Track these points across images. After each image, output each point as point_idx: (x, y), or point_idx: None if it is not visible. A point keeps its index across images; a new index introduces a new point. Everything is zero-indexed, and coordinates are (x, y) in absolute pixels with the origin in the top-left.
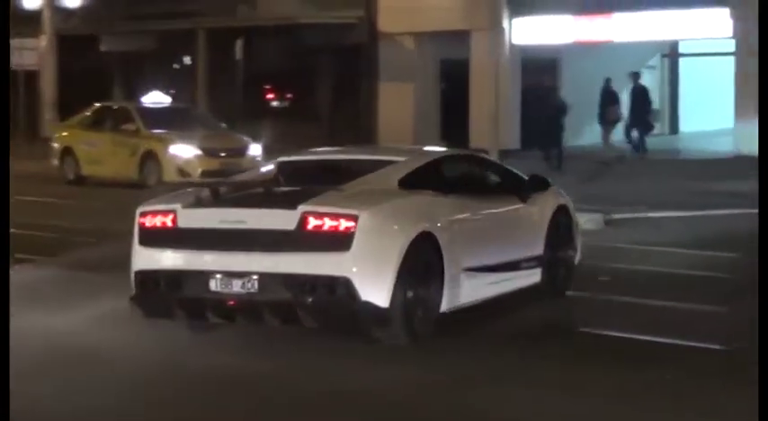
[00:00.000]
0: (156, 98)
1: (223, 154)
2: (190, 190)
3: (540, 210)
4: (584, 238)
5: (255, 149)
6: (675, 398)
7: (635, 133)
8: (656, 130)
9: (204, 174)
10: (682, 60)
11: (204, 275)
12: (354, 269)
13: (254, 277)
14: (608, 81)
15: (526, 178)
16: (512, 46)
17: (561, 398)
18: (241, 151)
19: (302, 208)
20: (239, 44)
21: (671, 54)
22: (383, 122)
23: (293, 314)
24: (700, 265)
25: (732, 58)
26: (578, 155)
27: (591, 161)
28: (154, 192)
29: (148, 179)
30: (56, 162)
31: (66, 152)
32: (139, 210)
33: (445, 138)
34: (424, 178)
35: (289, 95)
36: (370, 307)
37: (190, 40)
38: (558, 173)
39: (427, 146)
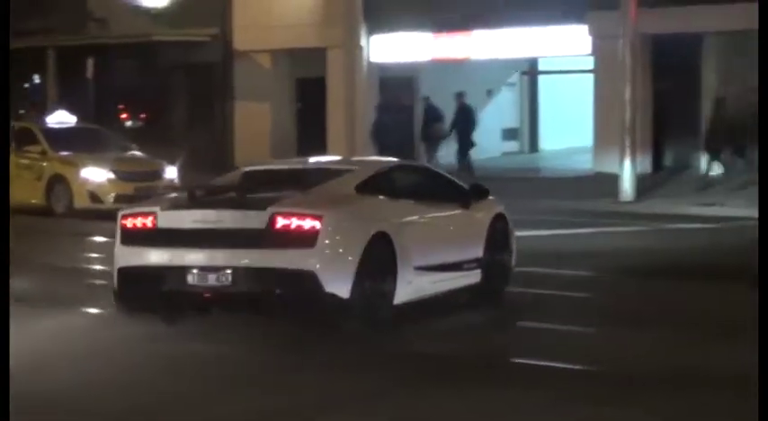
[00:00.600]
0: (61, 118)
1: (137, 177)
2: (166, 195)
3: (480, 216)
4: None
5: (171, 172)
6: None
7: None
8: (516, 148)
9: (118, 199)
10: (541, 78)
11: (182, 270)
12: (319, 264)
13: (228, 271)
14: (427, 99)
15: (467, 187)
16: (369, 64)
17: None
18: (156, 174)
19: (271, 209)
20: (90, 62)
21: (530, 71)
22: (239, 141)
23: (263, 305)
24: (561, 285)
25: (591, 76)
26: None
27: None
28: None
29: (57, 205)
30: None
31: None
32: (121, 212)
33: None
34: (377, 185)
35: (142, 115)
36: (333, 298)
37: (40, 59)
38: None
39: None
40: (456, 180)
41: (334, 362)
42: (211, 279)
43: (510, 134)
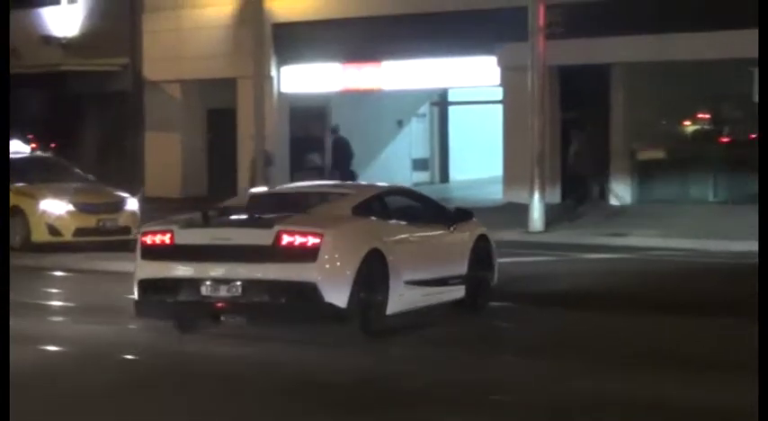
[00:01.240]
0: (15, 147)
1: (98, 210)
2: (182, 216)
3: (464, 236)
4: None
5: (132, 204)
6: None
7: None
8: (426, 179)
9: (78, 232)
10: (451, 108)
11: (196, 282)
12: (319, 277)
13: (238, 283)
14: (307, 129)
15: (452, 210)
16: (280, 94)
17: None
18: (117, 206)
19: (277, 227)
20: None
21: (440, 102)
22: (150, 171)
23: (270, 313)
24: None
25: (500, 107)
26: None
27: None
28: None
29: (13, 239)
30: None
31: None
32: (141, 230)
33: (213, 188)
34: (371, 207)
35: (52, 144)
36: (332, 307)
37: None
38: None
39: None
40: (441, 203)
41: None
42: (223, 290)
43: (420, 164)
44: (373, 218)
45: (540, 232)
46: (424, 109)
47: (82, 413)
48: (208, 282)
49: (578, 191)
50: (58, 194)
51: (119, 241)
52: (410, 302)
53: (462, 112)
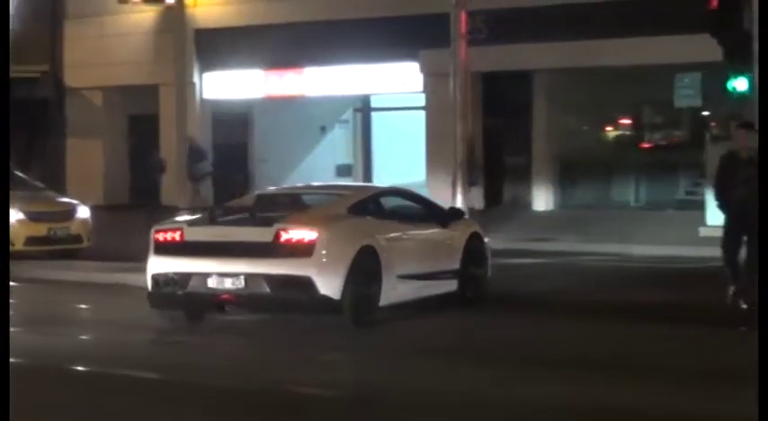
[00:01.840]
0: None
1: (49, 218)
2: (191, 215)
3: (457, 234)
4: None
5: (84, 212)
6: None
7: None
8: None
9: (29, 241)
10: (374, 114)
11: (203, 276)
12: (315, 271)
13: (241, 277)
14: (191, 139)
15: (446, 209)
16: (202, 100)
17: None
18: (68, 214)
19: (277, 225)
20: None
21: (363, 108)
22: (72, 178)
23: (270, 304)
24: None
25: (423, 113)
26: None
27: None
28: None
29: None
30: None
31: None
32: (153, 228)
33: (135, 195)
34: (366, 207)
35: None
36: (326, 299)
37: None
38: None
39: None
40: (436, 202)
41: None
42: (227, 283)
43: (344, 170)
44: (368, 216)
45: None
46: (348, 115)
47: None
48: (214, 276)
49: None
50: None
51: (70, 250)
52: (403, 295)
53: (386, 118)
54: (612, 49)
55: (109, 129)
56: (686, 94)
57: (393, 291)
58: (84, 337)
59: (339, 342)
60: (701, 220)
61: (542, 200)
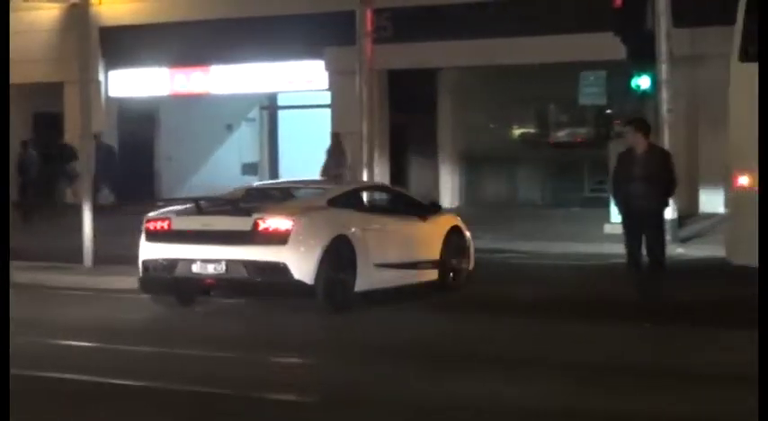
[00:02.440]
0: None
1: None
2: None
3: (437, 227)
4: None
5: None
6: None
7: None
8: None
9: None
10: (281, 112)
11: (189, 262)
12: (289, 257)
13: (223, 262)
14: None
15: (426, 204)
16: (108, 98)
17: None
18: None
19: (255, 215)
20: None
21: (269, 106)
22: None
23: (248, 288)
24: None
25: (329, 111)
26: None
27: None
28: None
29: None
30: None
31: None
32: (145, 217)
33: (41, 195)
34: (346, 200)
35: None
36: (300, 284)
37: None
38: None
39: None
40: (416, 198)
41: None
42: (210, 268)
43: (250, 169)
44: (346, 209)
45: None
46: (254, 113)
47: None
48: (198, 262)
49: None
50: None
51: None
52: (380, 282)
53: (292, 116)
54: (517, 47)
55: (13, 127)
56: (591, 91)
57: (369, 279)
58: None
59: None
60: (606, 217)
61: (448, 197)
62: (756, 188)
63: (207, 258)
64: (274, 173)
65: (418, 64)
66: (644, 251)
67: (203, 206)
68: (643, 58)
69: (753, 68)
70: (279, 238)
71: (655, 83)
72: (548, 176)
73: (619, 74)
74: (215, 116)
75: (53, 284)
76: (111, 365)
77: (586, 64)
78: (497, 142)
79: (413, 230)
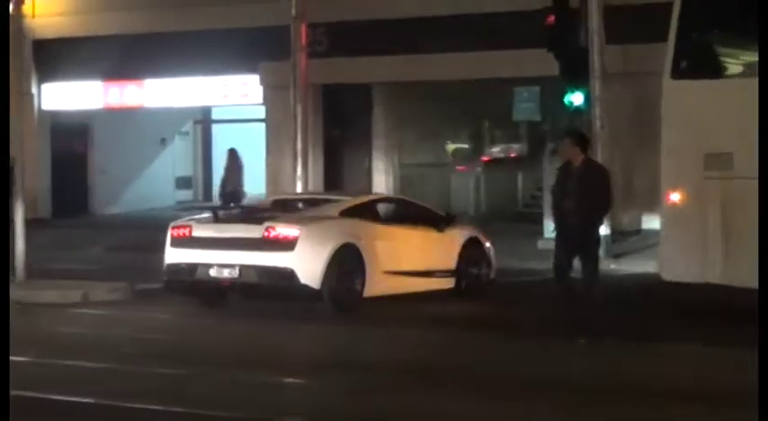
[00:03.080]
0: None
1: None
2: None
3: (453, 237)
4: (109, 311)
5: None
6: None
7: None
8: (189, 197)
9: None
10: (215, 126)
11: (207, 266)
12: (296, 263)
13: (236, 267)
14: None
15: (443, 215)
16: (41, 111)
17: None
18: None
19: (266, 224)
20: None
21: (203, 120)
22: None
23: (259, 292)
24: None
25: (263, 125)
26: (110, 222)
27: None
28: None
29: None
30: None
31: None
32: (171, 225)
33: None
34: (359, 211)
35: None
36: (306, 288)
37: None
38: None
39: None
40: (434, 209)
41: None
42: (225, 272)
43: (184, 183)
44: (358, 219)
45: None
46: (188, 127)
47: None
48: (215, 266)
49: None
50: None
51: None
52: (390, 288)
53: (227, 130)
54: (451, 62)
55: None
56: (525, 107)
57: (379, 285)
58: None
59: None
60: (540, 233)
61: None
62: (688, 205)
63: (223, 263)
64: (208, 186)
65: (353, 79)
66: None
67: (221, 215)
68: (576, 74)
69: (684, 85)
70: (287, 245)
71: (588, 99)
72: (481, 191)
73: (553, 90)
74: (149, 130)
75: None
76: (43, 379)
77: (521, 80)
78: (431, 157)
79: (427, 240)
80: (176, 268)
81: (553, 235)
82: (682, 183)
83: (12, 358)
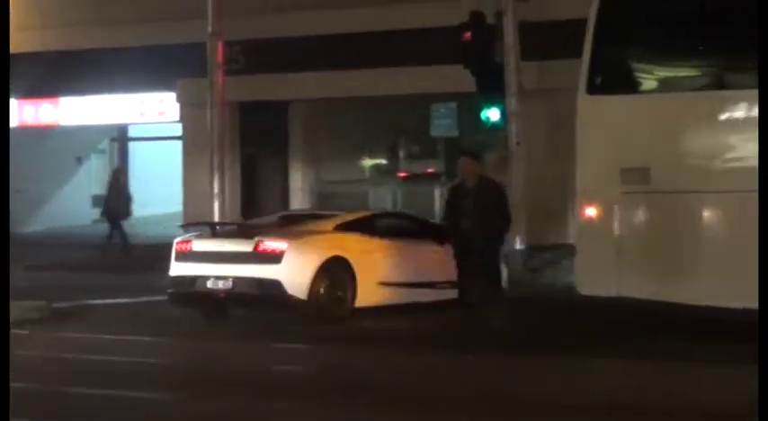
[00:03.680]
0: None
1: None
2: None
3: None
4: (27, 330)
5: None
6: None
7: None
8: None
9: None
10: (132, 144)
11: (204, 278)
12: (283, 275)
13: (230, 279)
14: None
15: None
16: None
17: None
18: None
19: (256, 238)
20: None
21: (120, 138)
22: None
23: (250, 301)
24: (134, 352)
25: (180, 142)
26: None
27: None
28: None
29: None
30: None
31: None
32: (176, 240)
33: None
34: (355, 225)
35: None
36: (294, 298)
37: None
38: None
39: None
40: (436, 223)
41: None
42: (221, 284)
43: (100, 201)
44: (352, 233)
45: None
46: (104, 145)
47: None
48: (212, 278)
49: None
50: None
51: None
52: (385, 299)
53: (144, 148)
54: (368, 79)
55: None
56: (442, 123)
57: (374, 296)
58: None
59: None
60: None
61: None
62: (604, 219)
63: (218, 275)
64: (125, 204)
65: (269, 96)
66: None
67: (218, 230)
68: (492, 90)
69: (599, 101)
70: (275, 258)
71: (504, 115)
72: (398, 207)
73: (470, 106)
74: (64, 148)
75: None
76: None
77: (438, 96)
78: (348, 174)
79: (427, 253)
80: (179, 280)
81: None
82: (598, 198)
83: None
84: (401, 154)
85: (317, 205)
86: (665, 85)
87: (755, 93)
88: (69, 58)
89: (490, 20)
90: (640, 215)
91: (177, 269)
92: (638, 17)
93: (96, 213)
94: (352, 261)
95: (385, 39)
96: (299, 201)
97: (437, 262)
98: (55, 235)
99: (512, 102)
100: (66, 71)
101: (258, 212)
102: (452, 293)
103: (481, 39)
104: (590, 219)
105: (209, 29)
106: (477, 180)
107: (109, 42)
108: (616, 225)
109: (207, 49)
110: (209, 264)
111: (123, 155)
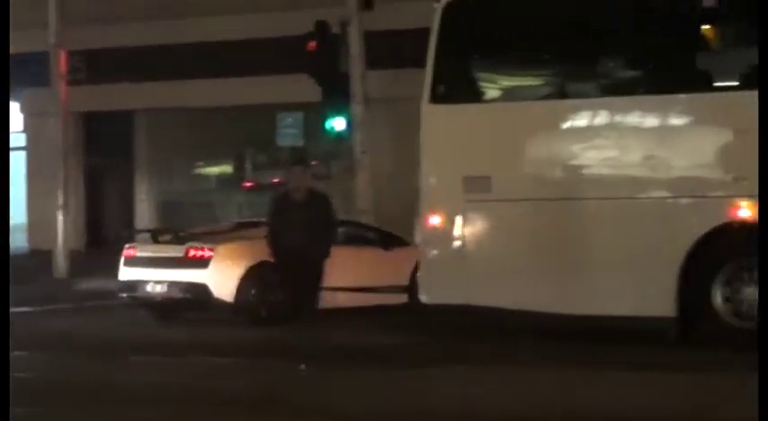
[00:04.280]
0: None
1: None
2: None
3: (405, 256)
4: None
5: None
6: None
7: None
8: None
9: None
10: None
11: (145, 283)
12: (209, 279)
13: (165, 283)
14: None
15: (389, 235)
16: None
17: None
18: None
19: (187, 245)
20: None
21: None
22: None
23: (182, 305)
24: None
25: (24, 153)
26: None
27: None
28: None
29: None
30: None
31: None
32: (125, 246)
33: None
34: None
35: None
36: (220, 302)
37: None
38: None
39: None
40: (384, 230)
41: None
42: (158, 288)
43: None
44: None
45: (65, 279)
46: None
47: None
48: (151, 283)
49: None
50: None
51: None
52: (329, 302)
53: None
54: (212, 89)
55: None
56: (289, 133)
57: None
58: None
59: None
60: None
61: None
62: (447, 228)
63: (156, 280)
64: None
65: (114, 106)
66: None
67: (159, 238)
68: (337, 99)
69: (443, 109)
70: (202, 263)
71: (350, 124)
72: (244, 217)
73: (316, 115)
74: None
75: None
76: None
77: (284, 105)
78: (194, 185)
79: (374, 258)
80: (126, 285)
81: None
82: (441, 207)
83: None
84: (248, 164)
85: (161, 216)
86: (507, 95)
87: (596, 101)
88: None
89: (335, 29)
90: (483, 223)
91: (124, 274)
92: (480, 27)
93: None
94: None
95: (230, 48)
96: (144, 211)
97: (385, 267)
98: None
99: (357, 111)
100: None
101: (103, 224)
102: (402, 298)
103: (326, 48)
104: (434, 228)
105: (52, 38)
106: (306, 191)
107: None
108: (460, 233)
109: (50, 57)
110: (149, 268)
111: None
